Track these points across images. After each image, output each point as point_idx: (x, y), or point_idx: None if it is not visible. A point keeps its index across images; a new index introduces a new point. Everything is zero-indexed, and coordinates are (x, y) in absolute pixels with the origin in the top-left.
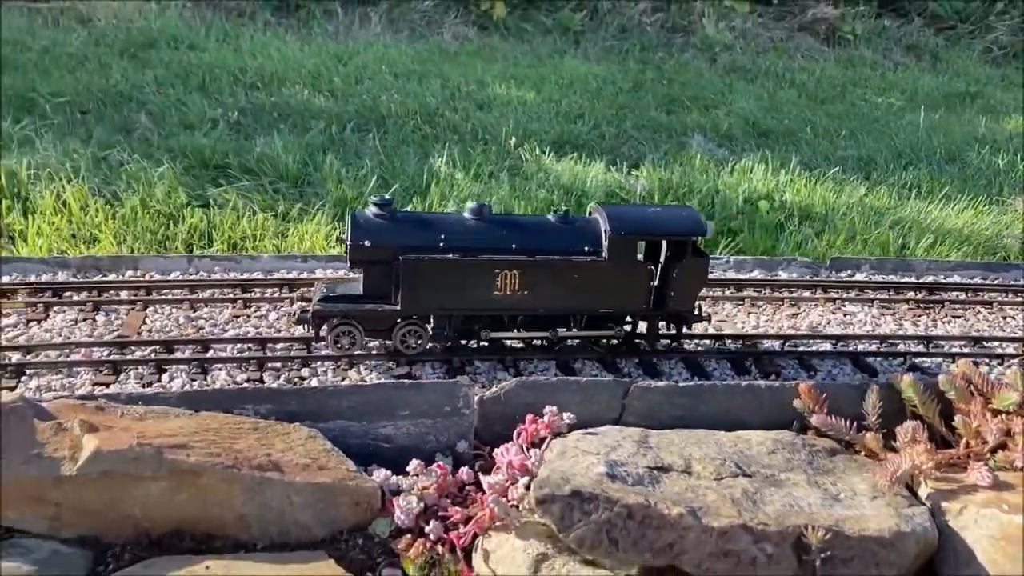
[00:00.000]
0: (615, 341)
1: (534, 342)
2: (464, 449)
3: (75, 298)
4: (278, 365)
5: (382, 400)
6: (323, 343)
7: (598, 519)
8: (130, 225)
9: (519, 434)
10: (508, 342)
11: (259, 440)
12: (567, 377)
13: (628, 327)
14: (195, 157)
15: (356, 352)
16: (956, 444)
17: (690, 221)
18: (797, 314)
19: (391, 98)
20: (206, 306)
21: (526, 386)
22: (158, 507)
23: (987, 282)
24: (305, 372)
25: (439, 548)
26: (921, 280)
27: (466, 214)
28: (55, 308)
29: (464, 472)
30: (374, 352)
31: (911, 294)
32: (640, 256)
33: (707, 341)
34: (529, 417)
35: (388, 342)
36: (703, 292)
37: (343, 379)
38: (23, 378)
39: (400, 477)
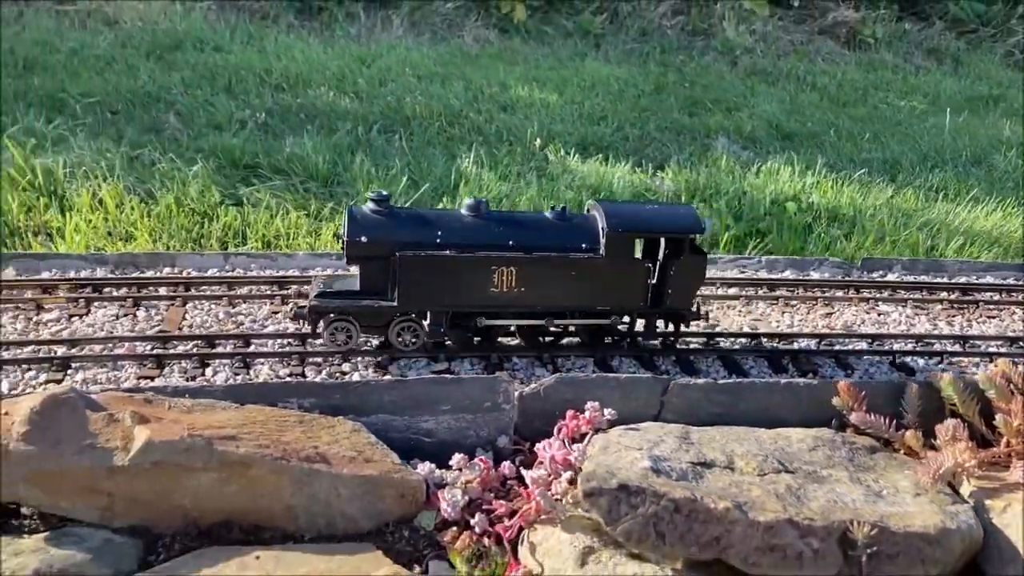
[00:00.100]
0: (608, 339)
1: (522, 342)
2: (504, 444)
3: (115, 294)
4: (319, 360)
5: (423, 395)
6: (319, 339)
7: (645, 512)
8: (165, 223)
9: (559, 429)
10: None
11: (305, 433)
12: (606, 374)
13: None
14: (225, 157)
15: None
16: (996, 443)
17: (688, 219)
18: (831, 313)
19: (415, 100)
20: (244, 302)
21: (565, 382)
22: (208, 498)
23: (1021, 283)
24: (346, 367)
25: (485, 541)
26: (954, 281)
27: (463, 211)
28: (96, 303)
29: (505, 466)
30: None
31: (944, 294)
32: (638, 254)
33: (743, 340)
34: (570, 413)
35: (384, 338)
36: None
37: (384, 374)
38: (69, 371)
39: (443, 471)
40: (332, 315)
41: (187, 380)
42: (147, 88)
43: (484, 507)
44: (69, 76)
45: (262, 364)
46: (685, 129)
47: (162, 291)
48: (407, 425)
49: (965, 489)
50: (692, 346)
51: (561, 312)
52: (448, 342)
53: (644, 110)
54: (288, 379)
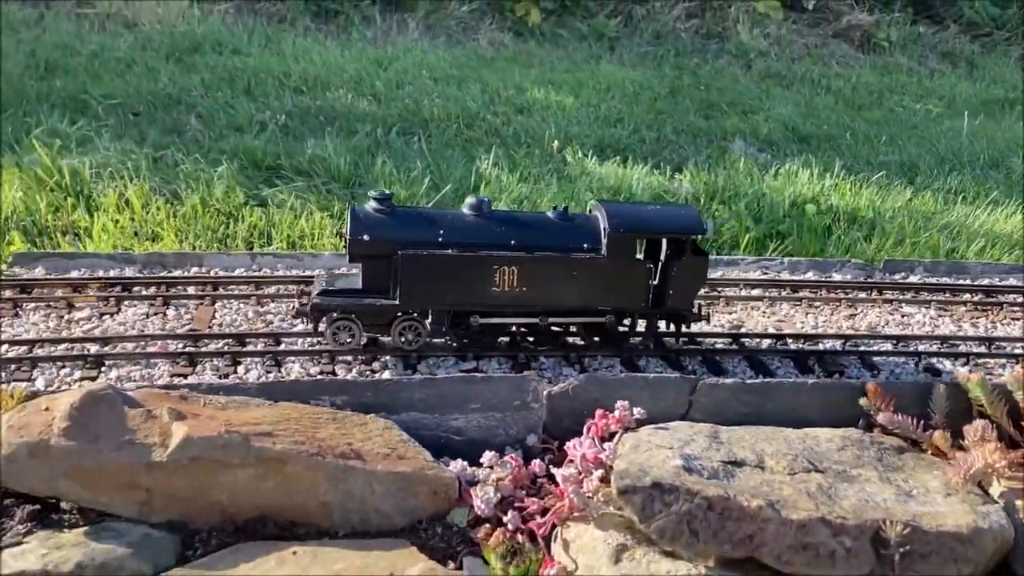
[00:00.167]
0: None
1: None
2: (533, 443)
3: (144, 293)
4: (349, 359)
5: (453, 393)
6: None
7: (679, 510)
8: (191, 223)
9: (589, 428)
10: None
11: (339, 430)
12: (634, 373)
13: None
14: (247, 158)
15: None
16: None
17: (690, 219)
18: (855, 315)
19: (432, 102)
20: (272, 301)
21: (594, 381)
22: (244, 494)
23: None
24: (375, 365)
25: (519, 537)
26: (977, 283)
27: (466, 210)
28: (126, 302)
29: (535, 465)
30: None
31: (967, 296)
32: (639, 254)
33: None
34: (599, 412)
35: (387, 337)
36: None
37: (413, 372)
38: (102, 368)
39: (474, 468)
40: (335, 314)
41: (219, 378)
42: (167, 90)
43: (516, 504)
44: (91, 78)
45: (293, 362)
46: (701, 132)
47: (191, 290)
48: (437, 423)
49: (995, 490)
50: (717, 346)
51: (563, 312)
52: (451, 342)
53: (660, 113)
54: (320, 377)
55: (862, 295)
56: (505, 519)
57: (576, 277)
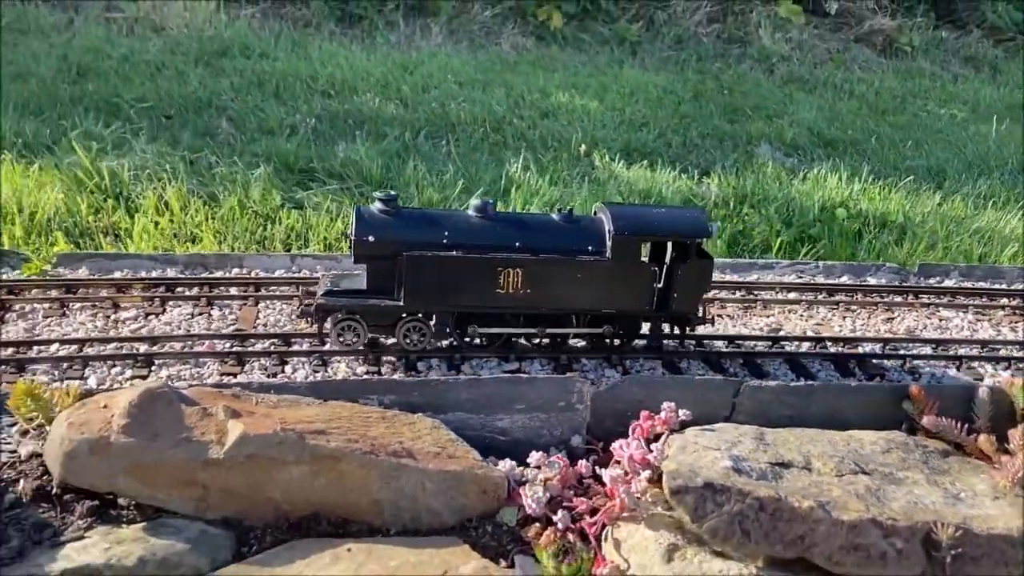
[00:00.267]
0: (610, 340)
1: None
2: (578, 443)
3: (187, 293)
4: (393, 359)
5: (498, 394)
6: (327, 337)
7: (730, 510)
8: (229, 225)
9: (634, 429)
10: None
11: (389, 428)
12: (678, 375)
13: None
14: (280, 161)
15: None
16: None
17: (695, 222)
18: (892, 318)
19: (459, 106)
20: None
21: (638, 383)
22: (298, 491)
23: None
24: (420, 366)
25: (569, 536)
26: (1013, 287)
27: (471, 211)
28: (170, 302)
29: (582, 465)
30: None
31: (1005, 300)
32: (644, 257)
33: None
34: (644, 413)
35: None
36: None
37: (457, 373)
38: (152, 367)
39: (522, 468)
40: (339, 314)
41: (268, 377)
42: (198, 93)
43: (565, 504)
44: (122, 81)
45: (339, 362)
46: (727, 136)
47: (233, 291)
48: (482, 423)
49: None
50: (757, 348)
51: (567, 314)
52: (454, 342)
53: (684, 117)
54: (367, 376)
55: (898, 299)
56: (555, 518)
57: (580, 279)
